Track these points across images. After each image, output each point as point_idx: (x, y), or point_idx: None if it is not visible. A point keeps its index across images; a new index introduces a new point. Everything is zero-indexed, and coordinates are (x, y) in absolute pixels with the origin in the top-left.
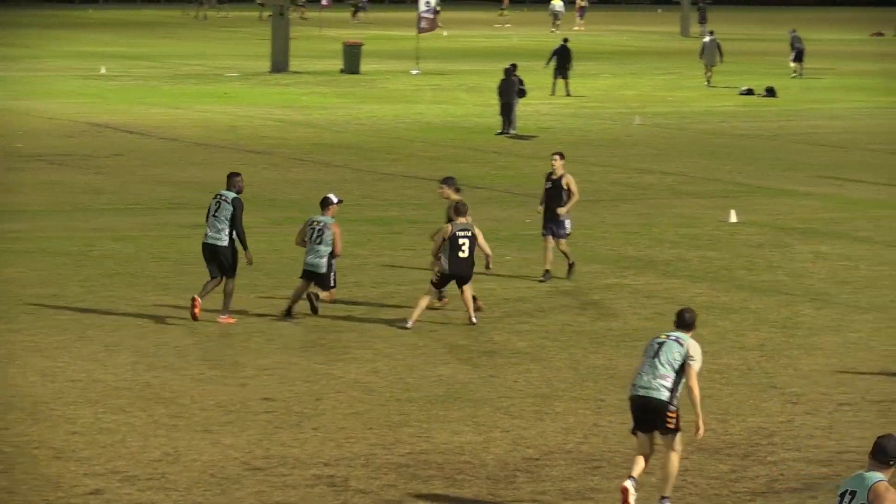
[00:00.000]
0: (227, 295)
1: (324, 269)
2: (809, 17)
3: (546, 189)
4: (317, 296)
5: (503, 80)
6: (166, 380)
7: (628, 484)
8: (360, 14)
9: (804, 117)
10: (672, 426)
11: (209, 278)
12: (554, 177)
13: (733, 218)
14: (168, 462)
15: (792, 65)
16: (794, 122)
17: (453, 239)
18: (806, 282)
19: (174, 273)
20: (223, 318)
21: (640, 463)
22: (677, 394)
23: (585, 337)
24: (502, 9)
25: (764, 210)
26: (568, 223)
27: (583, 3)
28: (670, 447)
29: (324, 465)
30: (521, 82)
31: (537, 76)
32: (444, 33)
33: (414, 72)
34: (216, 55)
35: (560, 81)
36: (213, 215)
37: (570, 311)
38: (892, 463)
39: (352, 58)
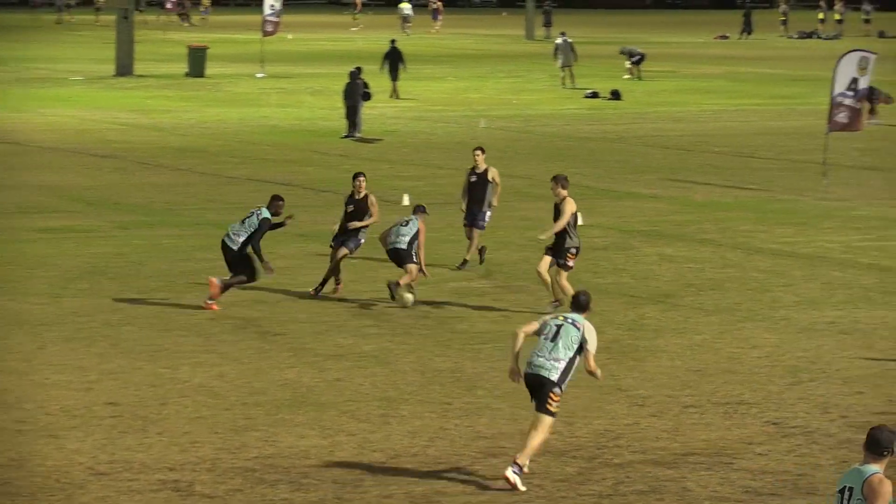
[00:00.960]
0: (229, 285)
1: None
2: (655, 20)
3: (471, 182)
4: (396, 283)
5: (348, 84)
6: (9, 385)
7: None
8: (196, 17)
9: (649, 120)
10: (551, 408)
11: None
12: (478, 170)
13: (579, 221)
14: (13, 468)
15: (627, 65)
16: (638, 125)
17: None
18: (651, 284)
19: (22, 278)
20: (209, 304)
21: None
22: (567, 378)
23: (431, 340)
24: (356, 13)
25: (609, 213)
26: (488, 215)
27: (435, 6)
28: (538, 425)
29: (169, 469)
30: (365, 85)
31: (382, 80)
32: (289, 36)
33: (259, 75)
34: (62, 59)
35: (396, 84)
36: (241, 222)
37: (417, 314)
38: (885, 454)
39: (197, 61)
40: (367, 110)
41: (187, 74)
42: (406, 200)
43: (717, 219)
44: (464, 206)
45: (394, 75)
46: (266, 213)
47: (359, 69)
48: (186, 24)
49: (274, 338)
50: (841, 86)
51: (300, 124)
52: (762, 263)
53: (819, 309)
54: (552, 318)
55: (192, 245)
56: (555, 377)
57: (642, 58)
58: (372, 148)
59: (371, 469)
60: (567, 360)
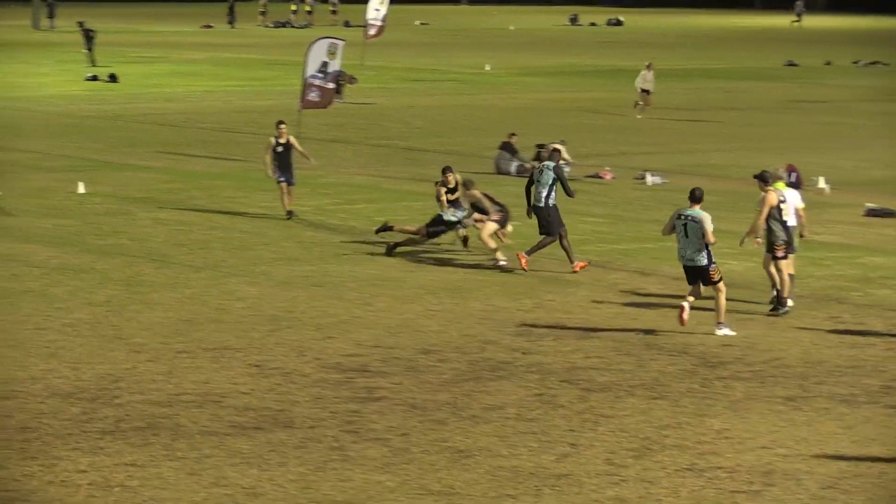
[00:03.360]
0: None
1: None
2: (150, 12)
3: (278, 152)
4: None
5: None
6: None
7: (686, 304)
8: None
9: (144, 100)
10: (716, 279)
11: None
12: (282, 141)
13: (81, 189)
14: None
15: (84, 52)
16: (134, 105)
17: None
18: (147, 245)
19: None
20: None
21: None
22: (712, 254)
23: None
24: None
25: (109, 182)
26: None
27: None
28: (718, 292)
29: None
30: None
31: None
32: None
33: None
34: None
35: None
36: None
37: None
38: (701, 200)
39: None
40: None
41: None
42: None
43: (204, 186)
44: (272, 171)
45: None
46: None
47: None
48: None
49: None
50: (312, 68)
51: None
52: (245, 225)
53: (295, 264)
54: (677, 220)
55: None
56: (705, 262)
57: (92, 39)
58: None
59: None
60: (704, 246)
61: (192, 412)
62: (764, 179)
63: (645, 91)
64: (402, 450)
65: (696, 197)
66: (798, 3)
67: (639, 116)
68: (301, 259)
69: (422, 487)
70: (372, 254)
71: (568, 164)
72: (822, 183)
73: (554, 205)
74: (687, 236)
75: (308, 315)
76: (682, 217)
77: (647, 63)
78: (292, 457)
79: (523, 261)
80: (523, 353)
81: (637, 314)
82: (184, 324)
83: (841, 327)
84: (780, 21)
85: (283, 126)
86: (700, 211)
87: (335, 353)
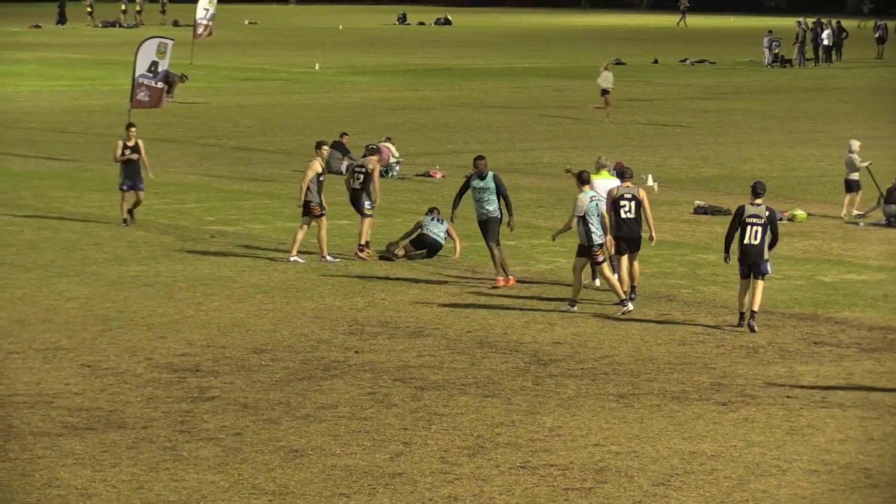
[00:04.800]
0: None
1: None
2: None
3: (126, 154)
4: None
5: None
6: None
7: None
8: None
9: None
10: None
11: None
12: (130, 143)
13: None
14: None
15: None
16: None
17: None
18: None
19: None
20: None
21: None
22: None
23: None
24: None
25: None
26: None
27: None
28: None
29: None
30: None
31: None
32: None
33: None
34: None
35: None
36: None
37: None
38: (627, 177)
39: None
40: None
41: None
42: None
43: (32, 186)
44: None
45: None
46: None
47: None
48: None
49: None
50: (142, 68)
51: None
52: (74, 226)
53: (126, 265)
54: (589, 203)
55: None
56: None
57: None
58: None
59: None
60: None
61: (23, 413)
62: (582, 180)
63: (605, 91)
64: (234, 449)
65: (583, 179)
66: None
67: (608, 120)
68: (131, 259)
69: (255, 487)
70: (203, 253)
71: (398, 162)
72: (650, 180)
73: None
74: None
75: (139, 315)
76: (593, 198)
77: (605, 63)
78: (125, 457)
79: (511, 282)
80: (356, 352)
81: (468, 312)
82: (14, 324)
83: (670, 324)
84: (606, 20)
85: (133, 129)
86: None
87: (167, 352)
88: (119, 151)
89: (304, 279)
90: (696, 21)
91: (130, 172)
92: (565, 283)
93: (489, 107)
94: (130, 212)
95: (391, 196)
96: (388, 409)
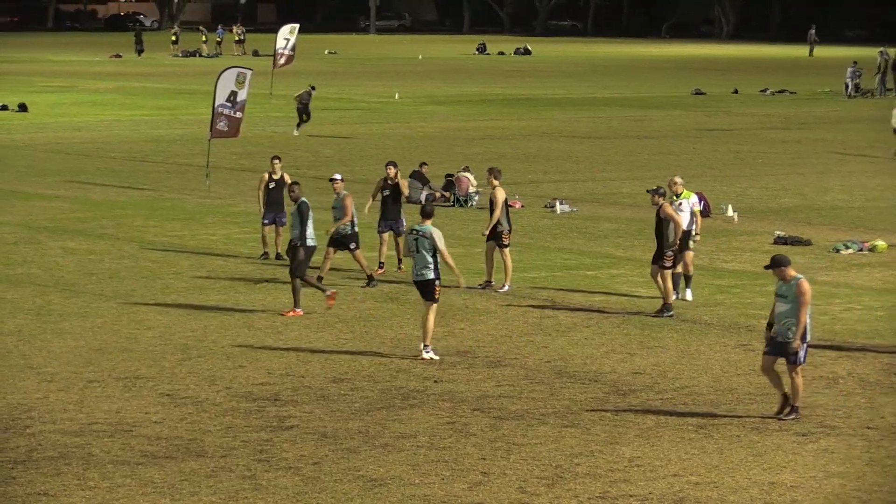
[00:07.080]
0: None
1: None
2: (58, 41)
3: (270, 189)
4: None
5: None
6: None
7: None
8: None
9: (52, 129)
10: (437, 297)
11: None
12: (276, 176)
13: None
14: None
15: None
16: (43, 134)
17: None
18: (56, 274)
19: None
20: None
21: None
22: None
23: None
24: None
25: (18, 212)
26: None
27: None
28: (430, 312)
29: None
30: None
31: None
32: None
33: None
34: None
35: None
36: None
37: None
38: (432, 216)
39: None
40: None
41: None
42: None
43: (113, 216)
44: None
45: None
46: None
47: None
48: None
49: None
50: (222, 97)
51: None
52: (154, 255)
53: (205, 293)
54: (410, 235)
55: None
56: (432, 276)
57: None
58: None
59: None
60: (433, 260)
61: (103, 441)
62: (660, 193)
63: None
64: (313, 479)
65: (426, 213)
66: (811, 32)
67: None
68: (211, 288)
69: None
70: (282, 282)
71: (477, 192)
72: (730, 211)
73: None
74: (418, 251)
75: (219, 344)
76: (413, 232)
77: None
78: (204, 486)
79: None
80: (435, 382)
81: (547, 342)
82: (94, 353)
83: (751, 355)
84: (686, 50)
85: (277, 161)
86: (430, 227)
87: (246, 381)
88: (263, 187)
89: (383, 309)
90: (775, 51)
91: (273, 205)
92: (646, 312)
93: (569, 136)
94: (279, 253)
95: (470, 226)
96: (466, 438)
